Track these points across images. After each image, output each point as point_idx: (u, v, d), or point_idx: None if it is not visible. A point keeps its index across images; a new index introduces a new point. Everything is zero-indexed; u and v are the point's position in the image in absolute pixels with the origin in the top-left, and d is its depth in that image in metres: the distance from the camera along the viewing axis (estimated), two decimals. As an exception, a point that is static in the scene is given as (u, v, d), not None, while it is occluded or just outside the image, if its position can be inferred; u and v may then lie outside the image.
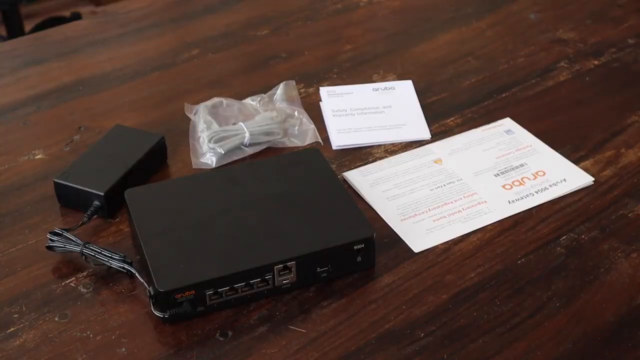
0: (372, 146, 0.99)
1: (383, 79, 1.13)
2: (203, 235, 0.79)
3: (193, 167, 0.96)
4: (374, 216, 0.88)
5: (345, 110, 1.05)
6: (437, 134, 1.01)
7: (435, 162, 0.96)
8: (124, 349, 0.74)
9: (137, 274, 0.79)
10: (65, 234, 0.83)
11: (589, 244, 0.84)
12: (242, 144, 0.97)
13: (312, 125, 1.02)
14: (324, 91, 1.09)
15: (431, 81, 1.12)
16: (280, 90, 1.05)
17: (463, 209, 0.89)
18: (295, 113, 1.03)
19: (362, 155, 0.98)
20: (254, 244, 0.78)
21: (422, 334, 0.74)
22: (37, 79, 1.15)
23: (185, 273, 0.75)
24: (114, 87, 1.13)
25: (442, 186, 0.92)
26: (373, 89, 1.10)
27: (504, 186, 0.92)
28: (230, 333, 0.75)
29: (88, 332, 0.75)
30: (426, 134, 1.01)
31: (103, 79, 1.15)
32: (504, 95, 1.09)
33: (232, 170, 0.91)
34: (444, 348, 0.73)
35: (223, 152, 0.96)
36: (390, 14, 1.31)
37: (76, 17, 2.56)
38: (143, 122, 1.04)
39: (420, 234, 0.86)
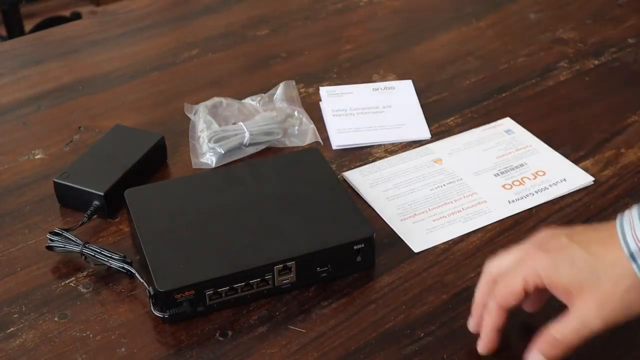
0: (372, 146, 0.99)
1: (383, 79, 1.13)
2: (203, 235, 0.79)
3: (193, 167, 0.96)
4: (374, 216, 0.88)
5: (345, 110, 1.05)
6: (437, 134, 1.01)
7: (435, 162, 0.96)
8: (123, 349, 0.74)
9: (137, 274, 0.79)
10: (65, 234, 0.83)
11: (589, 244, 0.84)
12: (242, 143, 0.97)
13: (312, 125, 1.02)
14: (323, 91, 1.09)
15: (431, 81, 1.12)
16: (280, 90, 1.05)
17: (463, 209, 0.89)
18: (295, 113, 1.02)
19: (362, 155, 0.98)
20: (254, 244, 0.78)
21: (422, 334, 0.74)
22: (37, 79, 1.15)
23: (185, 273, 0.75)
24: (114, 87, 1.13)
25: (442, 186, 0.92)
26: (373, 89, 1.10)
27: (504, 186, 0.92)
28: (230, 333, 0.75)
29: (88, 332, 0.75)
30: (426, 134, 1.01)
31: (103, 79, 1.15)
32: (504, 95, 1.09)
33: (232, 170, 0.91)
34: (444, 348, 0.73)
35: (223, 152, 0.96)
36: (390, 14, 1.31)
37: (76, 17, 2.56)
38: (143, 122, 1.04)
39: (420, 233, 0.86)
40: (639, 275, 0.61)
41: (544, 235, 0.67)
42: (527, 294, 0.65)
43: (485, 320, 0.68)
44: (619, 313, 0.62)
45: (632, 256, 0.61)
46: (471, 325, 0.71)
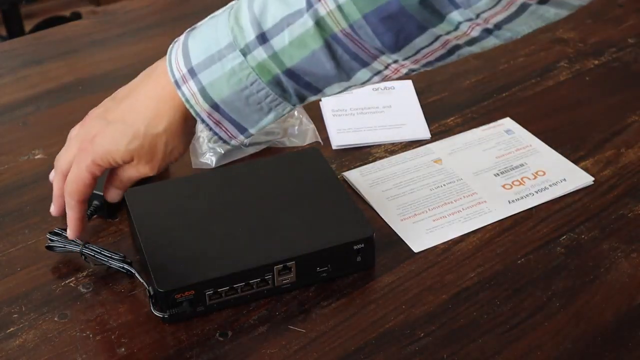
0: (372, 146, 0.99)
1: (383, 78, 1.12)
2: (203, 235, 0.79)
3: (193, 167, 0.96)
4: (374, 216, 0.88)
5: (345, 110, 1.05)
6: (437, 134, 1.01)
7: (435, 161, 0.96)
8: (123, 349, 0.73)
9: (136, 274, 0.79)
10: (64, 233, 0.82)
11: (589, 244, 0.84)
12: (242, 143, 0.97)
13: (312, 125, 1.02)
14: (323, 91, 1.09)
15: (431, 81, 1.12)
16: (280, 90, 1.05)
17: (463, 209, 0.89)
18: (295, 113, 1.02)
19: (362, 155, 0.98)
20: (254, 244, 0.78)
21: (422, 334, 0.74)
22: (37, 79, 1.15)
23: (185, 273, 0.75)
24: (114, 87, 1.12)
25: (442, 186, 0.92)
26: (373, 89, 1.10)
27: (503, 186, 0.92)
28: (230, 333, 0.75)
29: (88, 332, 0.75)
30: (426, 134, 1.01)
31: (103, 79, 1.15)
32: (503, 95, 1.09)
33: (232, 170, 0.91)
34: (444, 348, 0.73)
35: (223, 152, 0.96)
36: (390, 13, 1.31)
37: (76, 17, 2.56)
38: (143, 122, 1.04)
39: (420, 233, 0.86)
40: (183, 99, 0.68)
41: (87, 124, 0.75)
42: (97, 176, 0.73)
43: (69, 214, 0.75)
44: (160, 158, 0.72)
45: (177, 83, 0.68)
46: (53, 211, 0.78)
